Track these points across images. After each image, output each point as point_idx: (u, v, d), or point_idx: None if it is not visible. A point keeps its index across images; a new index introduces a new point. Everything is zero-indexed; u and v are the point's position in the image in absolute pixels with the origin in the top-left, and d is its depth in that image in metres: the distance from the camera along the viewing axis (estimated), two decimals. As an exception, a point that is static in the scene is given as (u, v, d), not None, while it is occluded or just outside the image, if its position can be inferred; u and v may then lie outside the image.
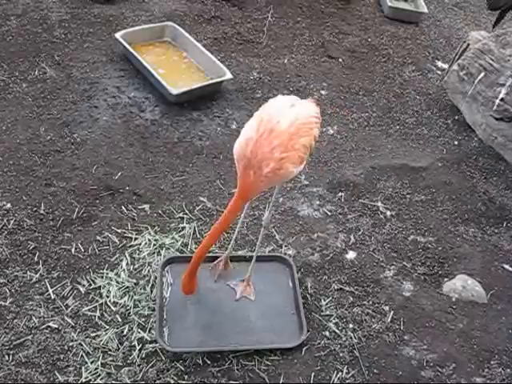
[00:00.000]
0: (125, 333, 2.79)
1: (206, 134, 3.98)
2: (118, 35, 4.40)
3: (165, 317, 2.85)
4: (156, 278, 3.01)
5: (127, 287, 2.99)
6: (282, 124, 2.47)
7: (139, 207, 3.40)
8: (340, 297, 3.09)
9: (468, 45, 4.53)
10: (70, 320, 2.81)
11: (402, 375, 2.79)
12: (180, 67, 4.48)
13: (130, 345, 2.75)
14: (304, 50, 5.00)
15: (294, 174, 2.58)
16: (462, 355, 2.91)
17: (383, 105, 4.56)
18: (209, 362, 2.72)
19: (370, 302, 3.09)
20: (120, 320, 2.85)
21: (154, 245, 3.20)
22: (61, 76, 4.24)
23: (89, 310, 2.87)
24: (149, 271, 3.07)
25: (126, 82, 4.27)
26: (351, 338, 2.90)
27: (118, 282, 3.00)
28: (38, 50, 4.43)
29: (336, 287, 3.13)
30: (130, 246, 3.18)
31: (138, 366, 2.67)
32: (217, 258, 3.12)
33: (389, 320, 3.01)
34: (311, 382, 2.71)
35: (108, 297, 2.93)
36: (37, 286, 2.94)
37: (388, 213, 3.63)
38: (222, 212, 3.37)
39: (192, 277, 2.75)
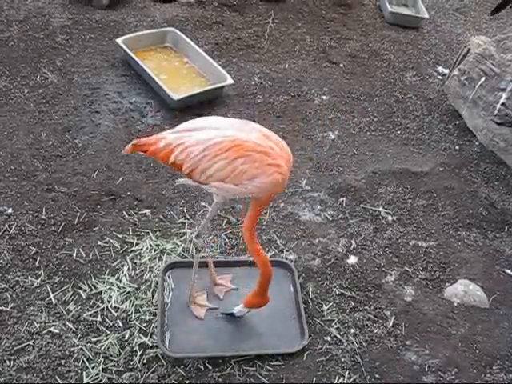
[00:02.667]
0: (126, 338, 2.79)
1: (208, 139, 3.98)
2: (119, 41, 4.42)
3: (166, 322, 2.85)
4: (157, 283, 3.01)
5: (128, 292, 2.99)
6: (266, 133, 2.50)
7: (140, 212, 3.40)
8: (341, 302, 3.09)
9: (469, 50, 4.54)
10: (71, 325, 2.81)
11: (403, 380, 2.78)
12: (181, 72, 4.49)
13: (132, 350, 2.75)
14: (305, 55, 5.01)
15: None
16: (463, 360, 2.90)
17: (384, 110, 4.56)
18: (210, 367, 2.71)
19: (372, 307, 3.08)
20: (121, 325, 2.84)
21: (156, 250, 3.20)
22: (62, 81, 4.25)
23: (90, 315, 2.87)
24: (150, 276, 3.07)
25: (127, 88, 4.28)
26: (353, 342, 2.90)
27: (119, 287, 3.00)
28: (39, 55, 4.45)
29: (337, 292, 3.13)
30: (132, 251, 3.19)
31: (140, 371, 2.67)
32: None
33: (390, 325, 3.01)
34: (313, 387, 2.71)
35: (109, 302, 2.93)
36: (38, 291, 2.94)
37: (389, 217, 3.62)
38: (223, 217, 3.41)
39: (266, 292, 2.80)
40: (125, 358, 2.71)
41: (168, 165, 2.51)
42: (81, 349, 2.72)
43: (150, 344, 2.77)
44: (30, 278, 2.99)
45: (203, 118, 2.65)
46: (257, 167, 2.41)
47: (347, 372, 2.78)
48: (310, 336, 2.87)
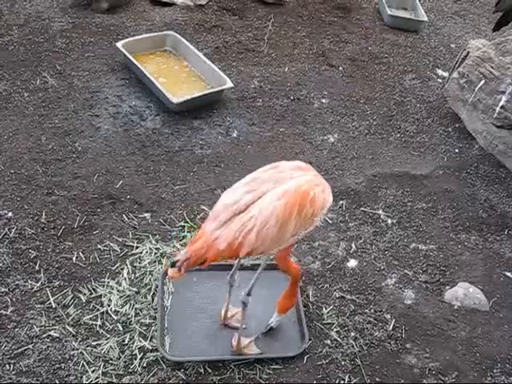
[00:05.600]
0: (126, 341, 2.79)
1: (207, 142, 3.99)
2: (119, 44, 4.42)
3: (166, 325, 2.85)
4: (157, 286, 3.00)
5: (128, 296, 2.98)
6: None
7: (140, 216, 3.40)
8: (341, 305, 3.09)
9: (468, 53, 4.54)
10: (70, 329, 2.81)
11: (404, 383, 2.78)
12: (181, 76, 4.50)
13: (132, 353, 2.74)
14: (304, 58, 5.02)
15: None
16: (464, 363, 2.90)
17: (384, 113, 4.57)
18: (210, 371, 2.71)
19: (372, 310, 3.08)
20: (121, 329, 2.84)
21: (155, 253, 3.20)
22: (62, 85, 4.25)
23: (90, 318, 2.87)
24: (150, 280, 3.07)
25: (127, 91, 4.29)
26: (353, 346, 2.90)
27: (119, 291, 3.00)
28: (39, 59, 4.45)
29: (337, 295, 3.13)
30: (131, 255, 3.18)
31: (140, 374, 2.67)
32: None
33: (390, 328, 3.00)
34: (313, 390, 2.71)
35: (109, 305, 2.93)
36: (38, 294, 2.94)
37: (389, 221, 3.62)
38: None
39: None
40: (125, 362, 2.71)
41: (233, 258, 2.40)
42: (81, 352, 2.72)
43: (150, 347, 2.76)
44: (29, 281, 2.99)
45: (231, 191, 2.40)
46: (318, 202, 2.41)
47: (347, 375, 2.77)
48: (310, 339, 2.86)
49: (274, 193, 2.33)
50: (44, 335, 2.77)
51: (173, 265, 2.29)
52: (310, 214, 2.39)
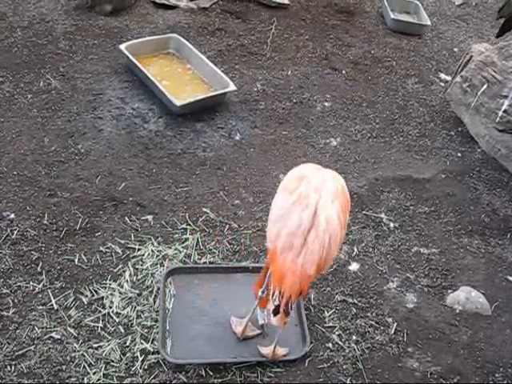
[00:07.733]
0: (127, 344, 2.78)
1: (210, 145, 3.99)
2: (122, 47, 4.43)
3: (168, 328, 2.85)
4: (159, 288, 3.00)
5: (130, 298, 2.98)
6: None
7: (142, 218, 3.40)
8: (343, 308, 3.08)
9: (471, 57, 4.54)
10: (72, 330, 2.81)
11: (405, 387, 2.78)
12: (184, 79, 4.50)
13: (133, 356, 2.74)
14: (307, 61, 5.02)
15: None
16: (466, 367, 2.89)
17: (386, 116, 4.57)
18: (211, 374, 2.70)
19: (374, 314, 3.08)
20: (123, 331, 2.84)
21: (157, 256, 3.20)
22: (65, 87, 4.26)
23: (91, 320, 2.87)
24: (152, 282, 3.07)
25: (130, 94, 4.29)
26: (354, 349, 2.89)
27: (120, 293, 3.00)
28: (43, 61, 4.47)
29: (339, 299, 3.12)
30: (133, 257, 3.18)
31: (141, 377, 2.66)
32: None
33: (392, 332, 3.00)
34: (314, 394, 2.70)
35: (111, 307, 2.93)
36: (40, 296, 2.94)
37: (391, 224, 3.62)
38: (225, 223, 3.41)
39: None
40: (126, 364, 2.71)
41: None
42: (82, 354, 2.72)
43: (152, 350, 2.76)
44: (31, 283, 2.99)
45: (285, 218, 2.32)
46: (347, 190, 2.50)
47: (349, 379, 2.77)
48: (311, 343, 2.86)
49: (327, 198, 2.33)
50: (45, 337, 2.77)
51: (275, 313, 2.33)
52: (349, 208, 2.50)
